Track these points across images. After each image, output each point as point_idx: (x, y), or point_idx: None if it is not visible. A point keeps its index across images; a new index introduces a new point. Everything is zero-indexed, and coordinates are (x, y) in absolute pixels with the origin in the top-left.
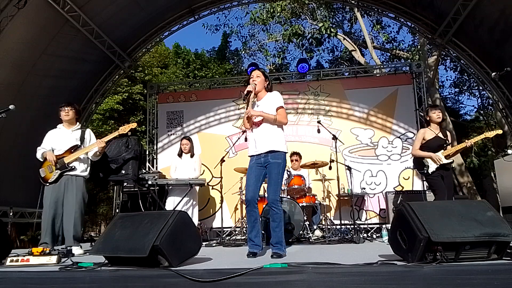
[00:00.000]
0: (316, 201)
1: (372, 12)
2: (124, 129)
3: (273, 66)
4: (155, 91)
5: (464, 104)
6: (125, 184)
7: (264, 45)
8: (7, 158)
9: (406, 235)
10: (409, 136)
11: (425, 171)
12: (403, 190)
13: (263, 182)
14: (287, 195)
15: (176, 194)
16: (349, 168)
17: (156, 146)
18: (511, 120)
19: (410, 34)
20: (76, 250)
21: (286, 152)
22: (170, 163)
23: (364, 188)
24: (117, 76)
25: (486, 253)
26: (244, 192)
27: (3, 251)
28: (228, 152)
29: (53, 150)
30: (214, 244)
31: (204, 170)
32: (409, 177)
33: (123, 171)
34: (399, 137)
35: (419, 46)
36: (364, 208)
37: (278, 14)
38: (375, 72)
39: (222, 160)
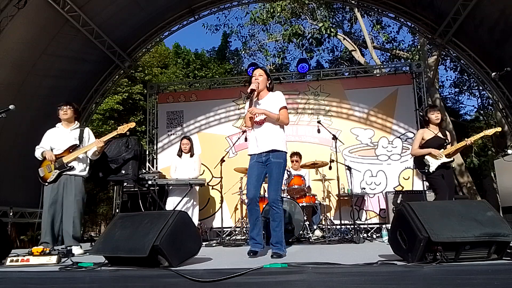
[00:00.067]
0: (316, 201)
1: (372, 12)
2: (123, 128)
3: (273, 66)
4: (155, 91)
5: (464, 104)
6: (125, 184)
7: (264, 45)
8: (7, 158)
9: (406, 235)
10: (409, 136)
11: (426, 170)
12: (403, 190)
13: (264, 181)
14: (287, 195)
15: (177, 194)
16: (349, 168)
17: (156, 146)
18: (511, 120)
19: (410, 34)
20: (76, 250)
21: (286, 152)
22: (170, 163)
23: (364, 188)
24: (117, 76)
25: (486, 253)
26: (244, 192)
27: (3, 251)
28: (228, 152)
29: (52, 150)
30: (214, 244)
31: (204, 170)
32: (409, 177)
33: (123, 171)
34: (399, 137)
35: (419, 46)
36: (364, 208)
37: (278, 14)
38: (375, 72)
39: (222, 160)
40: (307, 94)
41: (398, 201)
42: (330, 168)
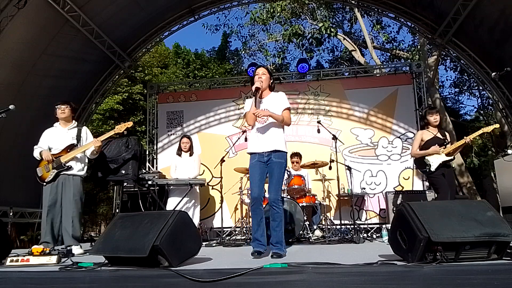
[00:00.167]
0: (316, 201)
1: (372, 12)
2: (120, 128)
3: (273, 66)
4: (155, 91)
5: (464, 104)
6: (125, 184)
7: (264, 45)
8: (7, 158)
9: (406, 235)
10: (409, 136)
11: (427, 170)
12: (403, 190)
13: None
14: (287, 195)
15: (177, 195)
16: (349, 168)
17: (156, 146)
18: (511, 120)
19: (410, 34)
20: (76, 250)
21: (287, 152)
22: (170, 163)
23: (364, 188)
24: (117, 76)
25: (486, 253)
26: (244, 192)
27: (3, 251)
28: (228, 152)
29: (49, 149)
30: (214, 244)
31: (204, 170)
32: (409, 177)
33: (123, 171)
34: (399, 137)
35: (419, 46)
36: (364, 208)
37: (278, 14)
38: (375, 72)
39: (222, 160)
40: (307, 94)
41: (398, 201)
42: (330, 168)
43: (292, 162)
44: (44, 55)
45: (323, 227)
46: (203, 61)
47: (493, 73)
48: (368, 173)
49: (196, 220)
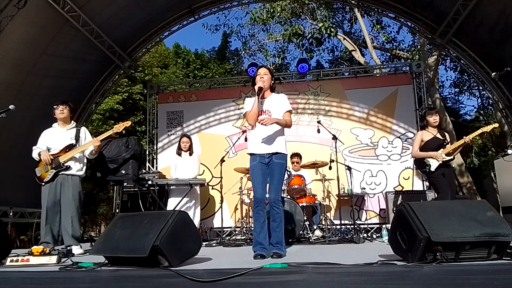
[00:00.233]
0: (316, 201)
1: (372, 12)
2: (119, 127)
3: (273, 66)
4: (155, 91)
5: (464, 104)
6: (125, 184)
7: (264, 45)
8: (7, 158)
9: (406, 235)
10: (409, 136)
11: (427, 170)
12: (403, 190)
13: None
14: (287, 195)
15: (177, 195)
16: (349, 168)
17: (156, 146)
18: (511, 120)
19: (410, 34)
20: (76, 250)
21: (287, 154)
22: (170, 163)
23: (364, 188)
24: (117, 76)
25: (486, 253)
26: (244, 192)
27: (3, 251)
28: (228, 152)
29: (48, 150)
30: (214, 244)
31: (204, 170)
32: (409, 177)
33: (123, 171)
34: (399, 137)
35: (419, 46)
36: (364, 208)
37: (278, 14)
38: (375, 72)
39: (222, 160)
40: (307, 94)
41: (398, 201)
42: (330, 168)
43: (292, 162)
44: (44, 55)
45: (323, 227)
46: (203, 61)
47: (493, 73)
48: (368, 173)
49: (196, 220)
